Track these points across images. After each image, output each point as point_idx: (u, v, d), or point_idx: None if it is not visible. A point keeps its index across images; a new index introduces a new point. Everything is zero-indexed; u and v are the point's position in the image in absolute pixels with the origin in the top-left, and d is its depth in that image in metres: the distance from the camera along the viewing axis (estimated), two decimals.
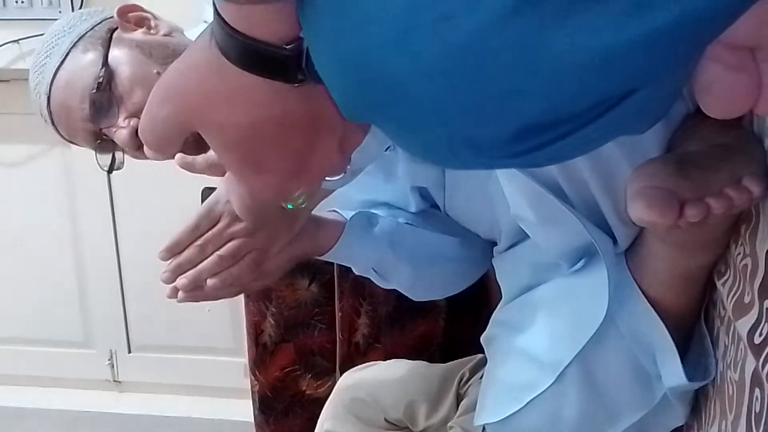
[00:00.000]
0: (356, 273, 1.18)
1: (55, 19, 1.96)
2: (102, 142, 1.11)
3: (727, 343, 0.82)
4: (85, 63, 1.10)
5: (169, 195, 2.03)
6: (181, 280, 0.97)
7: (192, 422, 2.41)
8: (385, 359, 1.45)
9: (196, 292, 0.98)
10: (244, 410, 1.93)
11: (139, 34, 1.13)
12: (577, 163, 0.87)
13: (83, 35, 1.12)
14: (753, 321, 0.72)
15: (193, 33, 1.16)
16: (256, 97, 0.51)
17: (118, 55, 1.10)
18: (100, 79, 1.07)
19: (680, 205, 0.72)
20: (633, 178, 0.76)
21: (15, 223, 2.30)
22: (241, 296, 1.69)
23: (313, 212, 1.06)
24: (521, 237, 1.07)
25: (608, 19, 0.43)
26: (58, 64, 1.10)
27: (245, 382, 1.85)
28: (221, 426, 2.36)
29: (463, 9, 0.44)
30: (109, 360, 2.48)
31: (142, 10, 1.17)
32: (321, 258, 1.11)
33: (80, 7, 1.97)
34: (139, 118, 1.06)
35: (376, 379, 1.32)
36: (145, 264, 2.33)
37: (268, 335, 1.66)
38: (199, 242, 0.97)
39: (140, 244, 2.18)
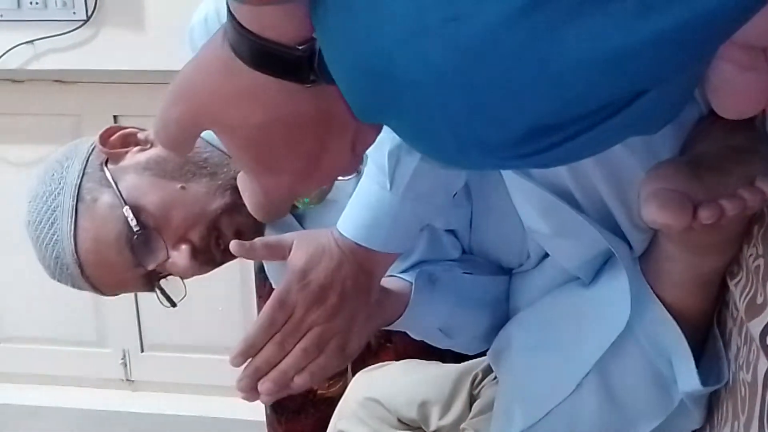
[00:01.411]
0: (416, 338, 1.10)
1: (70, 21, 1.99)
2: (159, 280, 1.06)
3: (739, 345, 0.82)
4: (103, 211, 1.01)
5: None
6: (265, 385, 0.88)
7: (204, 421, 2.41)
8: (396, 359, 1.45)
9: (281, 390, 0.89)
10: (256, 410, 1.93)
11: (135, 155, 1.05)
12: (587, 168, 0.86)
13: (79, 184, 1.03)
14: (766, 322, 0.72)
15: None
16: (269, 97, 0.52)
17: (131, 187, 1.02)
18: (132, 221, 0.99)
19: (693, 207, 0.72)
20: (645, 181, 0.75)
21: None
22: (253, 295, 1.70)
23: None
24: (546, 259, 1.04)
25: (617, 20, 0.43)
26: (71, 226, 1.02)
27: None
28: (233, 425, 2.37)
29: (471, 10, 0.44)
30: (122, 359, 2.49)
31: (122, 128, 1.08)
32: (391, 328, 1.03)
33: (93, 9, 1.98)
34: (187, 240, 1.02)
35: (389, 380, 1.32)
36: None
37: None
38: (277, 339, 0.87)
39: None
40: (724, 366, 0.87)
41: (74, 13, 1.99)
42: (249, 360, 0.88)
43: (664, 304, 0.89)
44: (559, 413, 0.94)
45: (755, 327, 0.74)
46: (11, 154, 2.28)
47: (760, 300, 0.74)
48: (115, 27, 2.02)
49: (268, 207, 0.60)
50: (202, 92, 0.53)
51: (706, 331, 0.92)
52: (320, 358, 0.89)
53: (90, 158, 1.06)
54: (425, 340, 1.11)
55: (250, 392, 0.89)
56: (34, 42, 2.02)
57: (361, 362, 1.52)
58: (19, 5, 2.01)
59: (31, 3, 2.00)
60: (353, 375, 1.43)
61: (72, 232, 1.02)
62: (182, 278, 1.06)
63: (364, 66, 0.48)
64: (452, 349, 1.14)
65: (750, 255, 0.80)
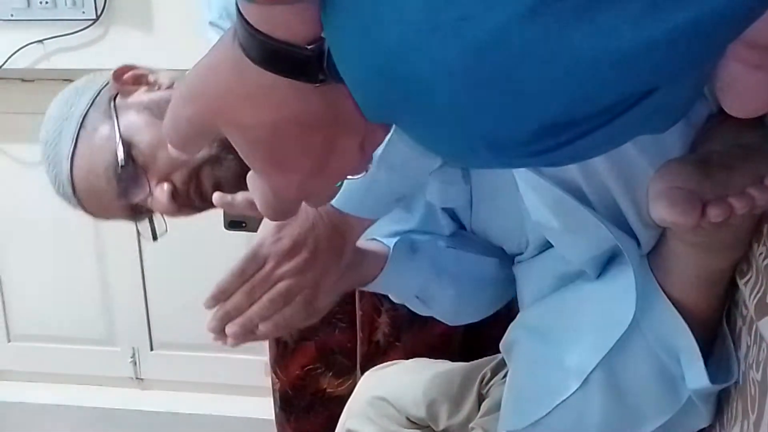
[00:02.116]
0: (396, 301, 1.16)
1: (79, 20, 2.00)
2: (140, 214, 1.10)
3: (749, 343, 0.82)
4: (99, 142, 1.08)
5: None
6: (232, 328, 0.94)
7: (213, 420, 2.42)
8: (405, 358, 1.45)
9: (246, 335, 0.95)
10: (265, 408, 1.94)
11: (141, 95, 1.11)
12: (598, 166, 0.86)
13: (86, 113, 1.10)
14: None
15: (210, 38, 1.14)
16: (278, 96, 0.52)
17: (129, 123, 1.08)
18: (121, 155, 1.05)
19: (702, 206, 0.72)
20: (655, 178, 0.75)
21: (37, 222, 2.32)
22: None
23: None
24: (548, 247, 1.06)
25: (627, 19, 0.43)
26: (71, 151, 1.08)
27: (266, 381, 1.86)
28: (242, 423, 2.38)
29: (482, 9, 0.44)
30: (131, 357, 2.50)
31: (136, 67, 1.14)
32: (365, 288, 1.08)
33: (103, 8, 1.99)
34: (170, 181, 1.08)
35: (398, 379, 1.33)
36: (168, 262, 2.36)
37: (288, 334, 1.67)
38: (246, 287, 0.94)
39: (163, 242, 2.19)
40: (734, 364, 0.86)
41: (83, 12, 2.00)
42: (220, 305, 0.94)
43: (672, 302, 0.89)
44: (566, 408, 0.94)
45: (765, 326, 0.74)
46: (23, 153, 2.29)
47: None
48: (125, 26, 2.02)
49: (278, 206, 0.61)
50: (212, 92, 0.54)
51: (715, 330, 0.92)
52: (286, 309, 0.94)
53: (102, 90, 1.12)
54: (407, 306, 1.16)
55: (219, 334, 0.95)
56: (44, 41, 2.02)
57: (369, 361, 1.53)
58: (28, 5, 2.02)
59: (40, 2, 2.01)
60: (362, 374, 1.43)
61: (70, 156, 1.08)
62: (163, 216, 1.11)
63: (373, 65, 0.48)
64: (435, 317, 1.20)
65: (760, 254, 0.80)
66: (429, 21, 0.45)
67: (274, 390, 1.76)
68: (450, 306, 1.16)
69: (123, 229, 2.32)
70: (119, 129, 1.07)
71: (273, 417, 1.80)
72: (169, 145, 0.59)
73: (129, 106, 1.10)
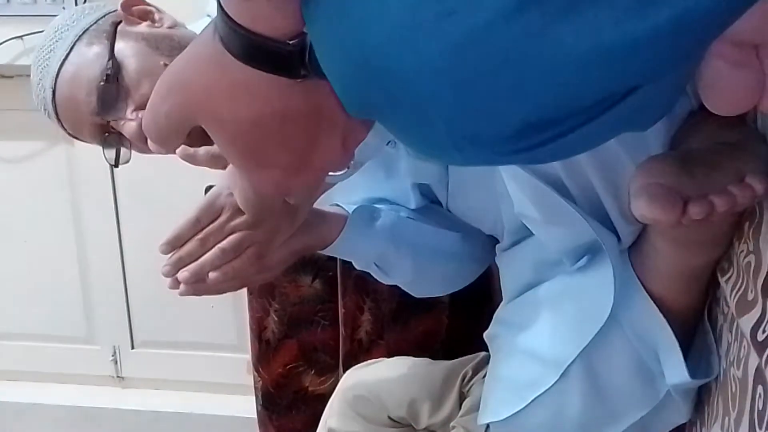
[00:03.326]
0: (357, 268, 1.18)
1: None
2: (109, 136, 1.11)
3: (730, 341, 0.82)
4: (91, 56, 1.09)
5: (173, 192, 2.03)
6: (183, 273, 0.97)
7: (195, 418, 2.41)
8: (388, 356, 1.45)
9: (197, 285, 0.98)
10: (247, 406, 1.93)
11: (143, 27, 1.13)
12: (580, 160, 0.87)
13: (87, 29, 1.11)
14: (756, 318, 0.72)
15: (197, 26, 1.16)
16: (259, 91, 0.51)
17: (124, 47, 1.10)
18: (108, 71, 1.06)
19: (683, 203, 0.72)
20: (636, 175, 0.76)
21: (18, 220, 2.30)
22: (244, 292, 1.69)
23: (315, 205, 1.06)
24: (525, 234, 1.07)
25: (611, 16, 0.43)
26: (63, 57, 1.09)
27: (248, 379, 1.86)
28: (224, 422, 2.36)
29: (466, 5, 0.44)
30: (112, 356, 2.48)
31: (146, 3, 1.16)
32: (323, 252, 1.11)
33: (84, 2, 1.98)
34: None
35: (379, 377, 1.32)
36: (149, 260, 2.34)
37: (271, 332, 1.67)
38: (200, 236, 0.97)
39: (143, 240, 2.18)
40: (714, 360, 0.87)
41: (64, 8, 1.98)
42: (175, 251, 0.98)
43: (652, 298, 0.89)
44: (544, 401, 0.95)
45: (746, 323, 0.75)
46: (3, 149, 2.27)
47: (750, 296, 0.74)
48: None
49: (258, 202, 0.60)
50: (192, 86, 0.53)
51: (695, 325, 0.92)
52: (236, 261, 0.98)
53: (108, 15, 1.14)
54: (370, 273, 1.18)
55: (172, 280, 0.99)
56: (24, 37, 2.01)
57: (352, 359, 1.53)
58: (8, 0, 2.00)
59: None
60: (344, 372, 1.43)
61: (60, 62, 1.09)
62: (131, 144, 1.11)
63: (356, 61, 0.48)
64: (398, 285, 1.23)
65: (741, 251, 0.80)
66: (412, 16, 0.44)
67: (256, 388, 1.75)
68: (408, 276, 1.19)
69: (104, 227, 2.31)
70: (113, 49, 1.09)
71: (255, 415, 1.79)
72: (149, 141, 0.58)
73: (129, 33, 1.11)
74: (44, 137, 2.19)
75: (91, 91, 1.07)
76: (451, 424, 1.23)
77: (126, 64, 1.08)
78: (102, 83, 1.07)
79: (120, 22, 1.13)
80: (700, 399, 0.93)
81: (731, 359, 0.81)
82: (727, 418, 0.80)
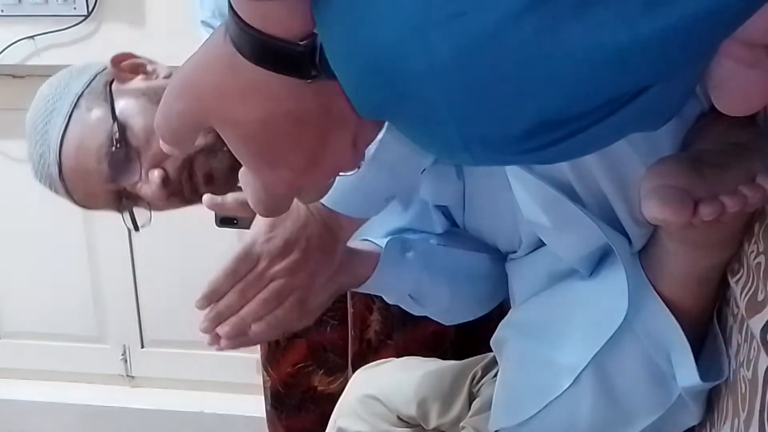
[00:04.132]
0: (390, 302, 1.14)
1: (71, 16, 1.99)
2: (126, 202, 1.09)
3: (740, 342, 0.82)
4: (94, 121, 1.06)
5: None
6: (224, 328, 0.91)
7: (204, 417, 2.41)
8: (397, 356, 1.45)
9: (239, 338, 0.93)
10: (256, 406, 1.94)
11: (139, 82, 1.10)
12: (589, 163, 0.86)
13: (81, 93, 1.08)
14: (766, 319, 0.72)
15: (201, 37, 1.14)
16: (270, 92, 0.52)
17: (125, 107, 1.07)
18: (115, 135, 1.04)
19: (694, 204, 0.72)
20: (646, 176, 0.75)
21: (29, 219, 2.31)
22: None
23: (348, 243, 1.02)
24: (541, 245, 1.06)
25: (622, 16, 0.43)
26: (62, 128, 1.06)
27: (257, 378, 1.86)
28: (233, 421, 2.37)
29: (477, 6, 0.44)
30: (122, 355, 2.49)
31: (135, 56, 1.14)
32: (358, 290, 1.07)
33: (94, 4, 1.98)
34: (161, 168, 1.07)
35: (389, 377, 1.32)
36: (159, 259, 2.35)
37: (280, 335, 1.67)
38: (239, 287, 0.91)
39: (153, 239, 2.18)
40: (724, 362, 0.87)
41: (75, 8, 1.99)
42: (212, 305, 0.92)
43: (663, 300, 0.89)
44: (557, 407, 0.94)
45: (756, 324, 0.74)
46: (12, 149, 2.28)
47: (761, 297, 0.74)
48: (116, 22, 2.01)
49: (269, 203, 0.60)
50: (204, 88, 0.53)
51: (706, 328, 0.92)
52: (279, 310, 0.92)
53: (98, 75, 1.11)
54: (401, 306, 1.15)
55: (211, 335, 0.93)
56: (35, 37, 2.01)
57: (360, 358, 1.53)
58: (19, 0, 2.01)
59: None
60: (353, 372, 1.43)
61: (61, 133, 1.06)
62: (150, 205, 1.09)
63: (366, 61, 0.48)
64: (429, 316, 1.19)
65: (751, 252, 0.80)
66: (423, 16, 0.45)
67: (265, 387, 1.76)
68: (444, 304, 1.15)
69: (114, 225, 2.31)
70: (114, 110, 1.06)
71: (264, 414, 1.80)
72: (160, 141, 0.59)
73: (125, 91, 1.09)
74: None
75: (101, 158, 1.05)
76: (461, 424, 1.22)
77: (131, 125, 1.06)
78: (111, 149, 1.04)
79: (113, 80, 1.10)
80: (710, 400, 0.93)
81: (741, 360, 0.81)
82: (736, 419, 0.80)
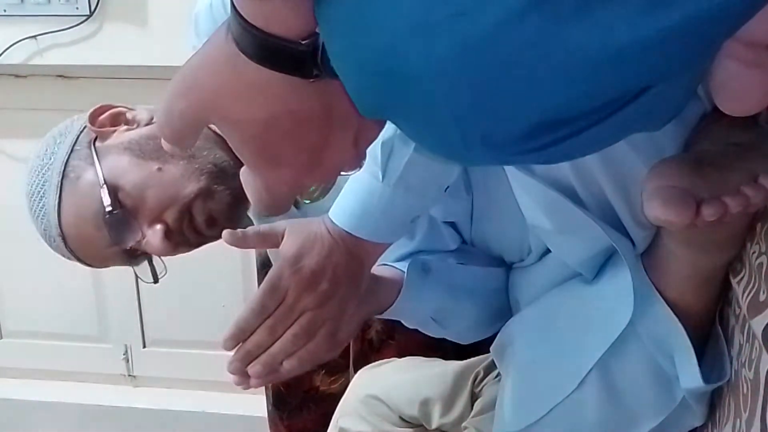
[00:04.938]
0: (410, 326, 1.12)
1: (73, 16, 1.99)
2: (139, 257, 1.09)
3: (741, 342, 0.82)
4: (85, 189, 1.06)
5: None
6: (254, 368, 0.90)
7: (206, 417, 2.41)
8: (398, 356, 1.45)
9: (270, 375, 0.91)
10: (257, 405, 1.94)
11: (121, 134, 1.09)
12: (591, 165, 0.86)
13: (67, 161, 1.08)
14: None
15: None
16: (272, 91, 0.52)
17: (112, 166, 1.06)
18: (107, 200, 1.03)
19: (697, 204, 0.72)
20: (648, 177, 0.75)
21: (29, 218, 2.31)
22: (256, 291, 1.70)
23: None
24: (549, 252, 1.05)
25: (624, 16, 0.43)
26: (56, 202, 1.06)
27: None
28: (235, 421, 2.37)
29: (478, 5, 0.44)
30: (123, 354, 2.49)
31: (112, 106, 1.12)
32: (381, 316, 1.04)
33: (97, 4, 1.98)
34: (162, 221, 1.06)
35: (391, 377, 1.32)
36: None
37: None
38: (268, 323, 0.89)
39: None
40: (727, 363, 0.87)
41: (77, 8, 1.99)
42: (240, 344, 0.90)
43: (666, 302, 0.89)
44: (561, 411, 0.94)
45: (758, 324, 0.74)
46: (14, 149, 2.28)
47: (762, 297, 0.74)
48: (119, 22, 2.02)
49: (271, 202, 0.61)
50: (206, 87, 0.53)
51: (709, 329, 0.92)
52: (310, 343, 0.90)
53: (80, 136, 1.10)
54: (420, 329, 1.12)
55: (241, 376, 0.91)
56: (37, 37, 2.01)
57: (362, 358, 1.52)
58: (22, 0, 2.01)
59: None
60: (355, 372, 1.43)
61: (56, 207, 1.06)
62: (159, 256, 1.09)
63: (368, 61, 0.48)
64: (447, 338, 1.16)
65: (753, 252, 0.80)
66: (425, 16, 0.45)
67: (266, 387, 1.75)
68: (467, 322, 1.14)
69: None
70: (102, 174, 1.05)
71: (266, 414, 1.80)
72: (162, 140, 0.59)
73: (109, 148, 1.08)
74: None
75: (99, 225, 1.05)
76: (463, 424, 1.22)
77: (122, 185, 1.05)
78: (106, 215, 1.03)
79: (96, 137, 1.09)
80: (712, 400, 0.93)
81: (743, 361, 0.81)
82: (738, 420, 0.80)
